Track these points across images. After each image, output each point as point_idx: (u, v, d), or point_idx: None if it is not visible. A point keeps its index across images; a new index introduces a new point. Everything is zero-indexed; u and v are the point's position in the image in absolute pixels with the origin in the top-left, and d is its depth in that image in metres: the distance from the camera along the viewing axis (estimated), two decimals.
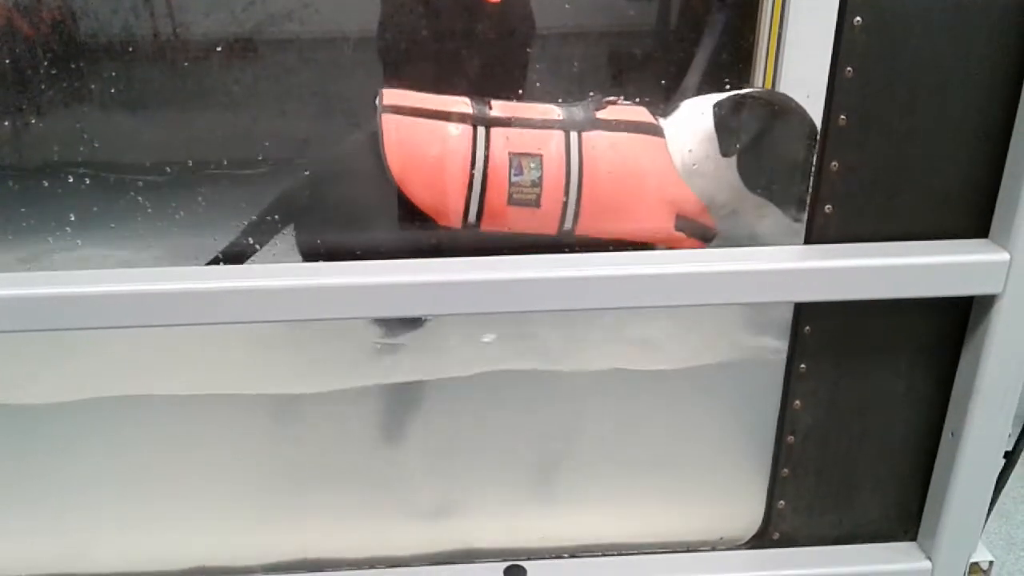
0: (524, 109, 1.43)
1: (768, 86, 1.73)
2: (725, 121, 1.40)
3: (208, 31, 1.50)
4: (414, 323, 1.45)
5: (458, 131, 1.37)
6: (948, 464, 1.24)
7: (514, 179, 1.36)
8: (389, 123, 1.36)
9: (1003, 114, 1.06)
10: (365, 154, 1.39)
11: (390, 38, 1.59)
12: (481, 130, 1.37)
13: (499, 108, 1.42)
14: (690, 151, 1.41)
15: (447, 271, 1.08)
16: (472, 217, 1.37)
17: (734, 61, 1.71)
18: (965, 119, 1.06)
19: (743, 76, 1.73)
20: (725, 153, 1.40)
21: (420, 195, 1.36)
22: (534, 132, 1.39)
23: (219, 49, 1.45)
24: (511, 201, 1.36)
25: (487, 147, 1.36)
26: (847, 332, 1.19)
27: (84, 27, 1.46)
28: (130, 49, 1.45)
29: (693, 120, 1.43)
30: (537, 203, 1.37)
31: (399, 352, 1.44)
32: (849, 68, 1.03)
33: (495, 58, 1.62)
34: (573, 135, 1.38)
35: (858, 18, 1.00)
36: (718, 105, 1.42)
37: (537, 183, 1.36)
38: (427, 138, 1.37)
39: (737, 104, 1.42)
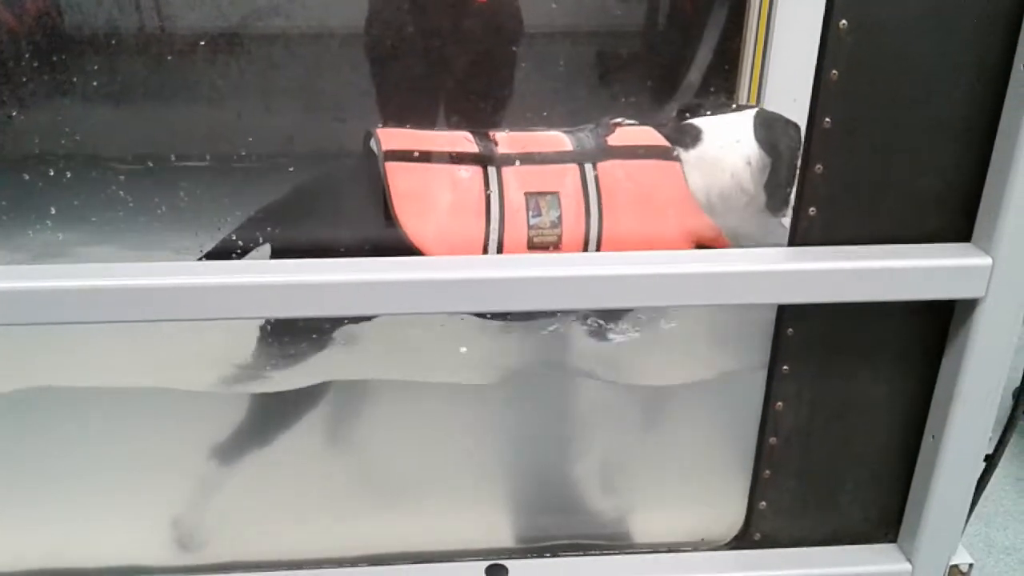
0: (531, 141, 1.34)
1: (755, 89, 1.73)
2: (782, 173, 1.34)
3: (193, 25, 1.49)
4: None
5: (468, 174, 1.27)
6: (929, 467, 1.25)
7: (532, 221, 1.26)
8: (394, 172, 1.25)
9: (986, 118, 1.06)
10: (361, 185, 1.31)
11: (377, 35, 1.58)
12: (492, 170, 1.27)
13: (505, 142, 1.32)
14: (716, 185, 1.36)
15: (440, 269, 1.08)
16: None
17: (721, 64, 1.71)
18: (949, 123, 1.07)
19: (729, 79, 1.74)
20: (774, 206, 1.36)
21: (433, 248, 1.24)
22: (547, 167, 1.30)
23: (203, 43, 1.44)
24: (531, 245, 1.26)
25: (501, 189, 1.26)
26: (830, 334, 1.20)
27: (69, 20, 1.45)
28: (114, 42, 1.44)
29: (724, 152, 1.36)
30: (558, 244, 1.27)
31: (390, 352, 1.43)
32: (834, 71, 1.03)
33: (483, 56, 1.62)
34: (588, 167, 1.29)
35: (843, 21, 1.01)
36: (773, 154, 1.35)
37: (557, 223, 1.26)
38: (436, 185, 1.27)
39: (787, 140, 1.35)
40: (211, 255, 1.30)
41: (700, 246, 1.32)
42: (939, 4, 1.01)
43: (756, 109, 1.42)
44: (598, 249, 1.29)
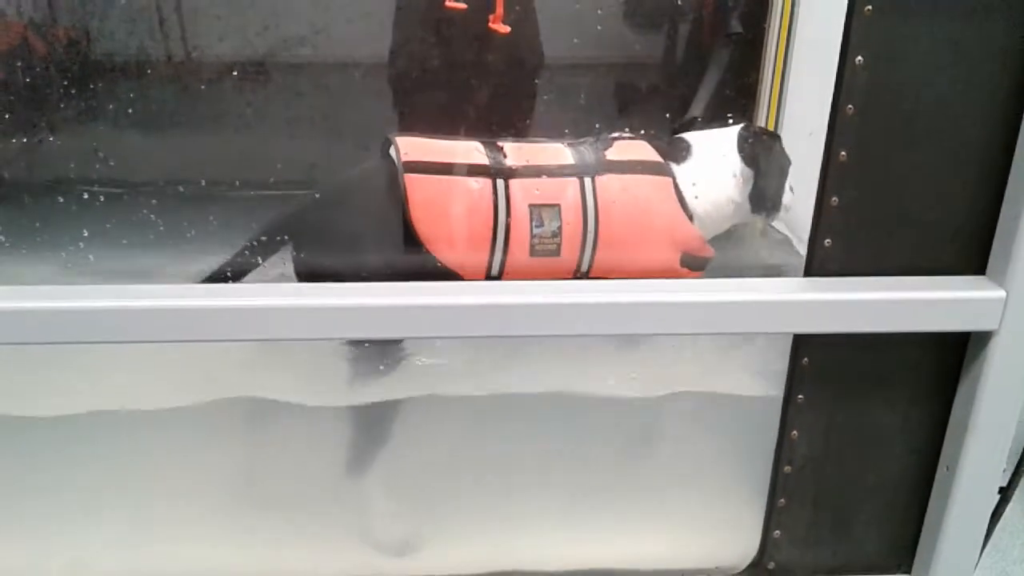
0: (536, 153, 1.42)
1: (772, 122, 1.76)
2: (764, 183, 1.46)
3: (220, 54, 1.53)
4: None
5: (478, 185, 1.35)
6: (943, 498, 1.25)
7: (535, 231, 1.35)
8: (412, 184, 1.33)
9: (1000, 152, 1.08)
10: (378, 188, 1.39)
11: (401, 66, 1.62)
12: (500, 183, 1.35)
13: (512, 153, 1.40)
14: (708, 196, 1.45)
15: (452, 294, 1.09)
16: (495, 271, 1.36)
17: (738, 98, 1.74)
18: (963, 157, 1.08)
19: (747, 113, 1.76)
20: (759, 208, 1.48)
21: (445, 254, 1.34)
22: (550, 180, 1.38)
23: (234, 72, 1.47)
24: (533, 253, 1.36)
25: (508, 200, 1.35)
26: (845, 364, 1.21)
27: (99, 48, 1.49)
28: (148, 71, 1.47)
29: (713, 166, 1.47)
30: (557, 252, 1.36)
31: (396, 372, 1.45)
32: (850, 106, 1.05)
33: (504, 87, 1.64)
34: (587, 180, 1.38)
35: (859, 58, 1.03)
36: (755, 166, 1.46)
37: (557, 233, 1.35)
38: (449, 195, 1.35)
39: (767, 153, 1.47)
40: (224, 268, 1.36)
41: (686, 254, 1.41)
42: (953, 40, 1.03)
43: (741, 125, 1.52)
44: (592, 257, 1.38)
